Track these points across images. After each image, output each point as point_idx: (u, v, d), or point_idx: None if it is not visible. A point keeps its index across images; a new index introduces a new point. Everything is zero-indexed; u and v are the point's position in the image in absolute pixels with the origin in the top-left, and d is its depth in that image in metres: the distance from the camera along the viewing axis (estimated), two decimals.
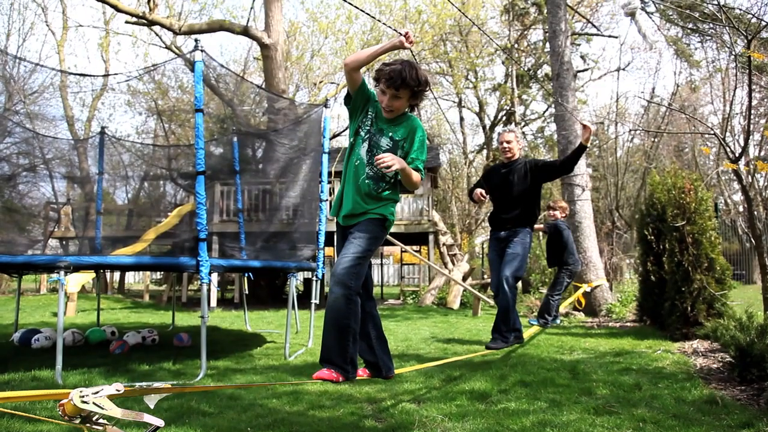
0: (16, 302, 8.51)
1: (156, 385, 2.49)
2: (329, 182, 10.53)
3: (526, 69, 24.89)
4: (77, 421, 2.02)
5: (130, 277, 25.10)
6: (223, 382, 5.10)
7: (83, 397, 1.98)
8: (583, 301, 10.61)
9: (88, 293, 17.35)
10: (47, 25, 28.19)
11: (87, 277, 10.96)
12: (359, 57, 3.33)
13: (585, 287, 10.37)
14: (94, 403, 1.97)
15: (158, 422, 2.05)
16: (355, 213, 3.41)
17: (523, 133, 25.53)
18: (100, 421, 2.02)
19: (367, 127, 3.45)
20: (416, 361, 6.13)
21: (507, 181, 5.63)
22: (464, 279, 15.54)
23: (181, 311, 10.74)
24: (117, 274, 20.60)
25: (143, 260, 8.01)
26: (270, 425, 3.69)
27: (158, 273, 20.18)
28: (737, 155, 5.46)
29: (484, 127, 28.27)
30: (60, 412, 2.02)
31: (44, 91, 9.43)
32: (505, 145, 5.75)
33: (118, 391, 2.07)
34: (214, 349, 6.82)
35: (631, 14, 12.79)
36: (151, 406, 2.32)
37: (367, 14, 10.12)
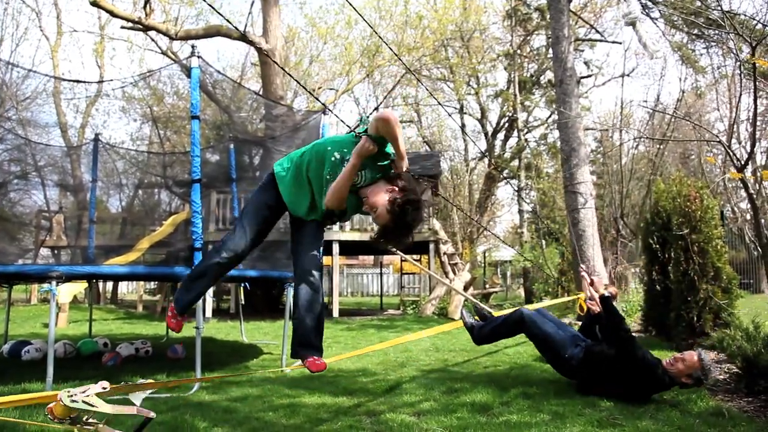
0: (6, 313, 8.41)
1: (141, 381, 2.57)
2: None
3: (528, 75, 24.91)
4: (67, 423, 2.05)
5: (123, 287, 24.92)
6: (218, 395, 5.01)
7: (71, 396, 2.00)
8: (585, 307, 10.46)
9: (80, 303, 17.14)
10: (41, 30, 28.13)
11: (79, 287, 10.84)
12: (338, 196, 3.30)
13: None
14: (83, 401, 1.99)
15: (150, 414, 2.07)
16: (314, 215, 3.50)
17: (526, 140, 25.47)
18: (90, 420, 2.06)
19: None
20: (416, 372, 6.03)
21: None
22: (466, 289, 15.44)
23: None
24: (110, 284, 20.45)
25: (137, 270, 7.94)
26: None
27: (152, 283, 20.02)
28: (743, 163, 5.36)
29: (486, 134, 28.24)
30: (49, 415, 2.05)
31: (37, 97, 9.35)
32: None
33: (105, 388, 2.09)
34: (209, 361, 6.73)
35: (632, 24, 12.82)
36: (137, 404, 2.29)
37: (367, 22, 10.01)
